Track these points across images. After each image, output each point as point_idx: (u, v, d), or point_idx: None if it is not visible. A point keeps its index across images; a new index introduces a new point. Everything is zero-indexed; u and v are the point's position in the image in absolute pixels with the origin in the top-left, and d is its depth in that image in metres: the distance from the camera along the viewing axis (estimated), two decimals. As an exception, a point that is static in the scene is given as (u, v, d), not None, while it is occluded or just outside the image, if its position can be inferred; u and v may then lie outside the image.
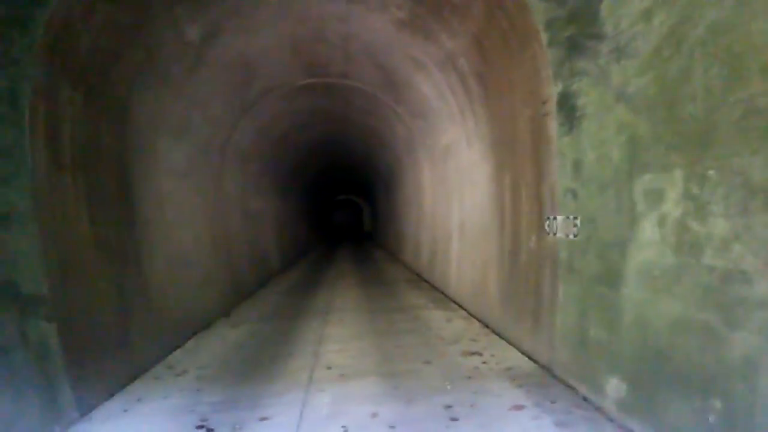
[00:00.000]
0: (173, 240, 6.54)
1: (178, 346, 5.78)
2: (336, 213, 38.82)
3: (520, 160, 5.13)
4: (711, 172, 2.46)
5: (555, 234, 4.30)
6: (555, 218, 4.30)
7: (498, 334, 5.47)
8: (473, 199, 6.95)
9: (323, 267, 14.59)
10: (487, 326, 5.89)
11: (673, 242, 2.76)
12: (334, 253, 19.74)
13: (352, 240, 29.47)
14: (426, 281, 10.22)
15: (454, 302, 7.58)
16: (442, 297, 8.18)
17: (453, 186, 8.19)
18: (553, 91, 4.26)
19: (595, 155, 3.64)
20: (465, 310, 6.93)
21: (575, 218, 3.93)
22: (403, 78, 8.44)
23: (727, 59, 2.35)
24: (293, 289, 10.14)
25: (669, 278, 2.79)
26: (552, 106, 4.30)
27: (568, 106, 4.02)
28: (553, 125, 4.29)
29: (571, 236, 3.99)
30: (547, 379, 4.07)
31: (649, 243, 2.99)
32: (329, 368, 4.62)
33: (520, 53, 4.72)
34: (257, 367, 4.83)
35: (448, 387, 3.95)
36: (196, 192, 7.69)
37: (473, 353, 4.83)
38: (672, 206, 2.77)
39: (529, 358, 4.62)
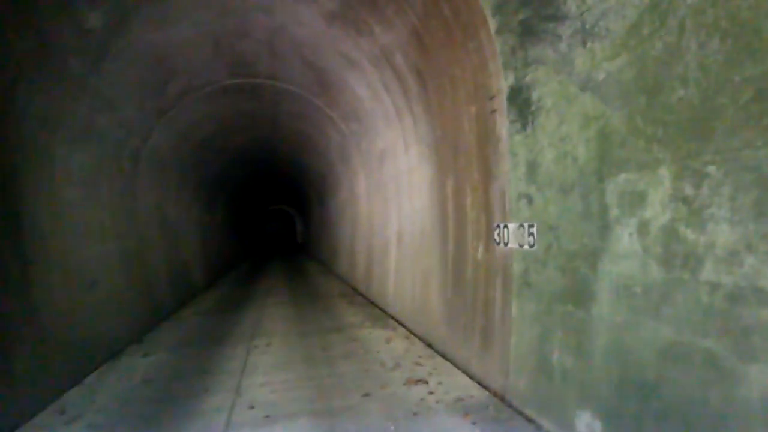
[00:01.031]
0: (75, 257, 5.61)
1: (76, 383, 4.86)
2: (266, 224, 37.49)
3: (464, 162, 4.65)
4: (711, 168, 2.01)
5: (506, 244, 3.83)
6: (506, 226, 3.83)
7: (443, 356, 4.94)
8: (412, 206, 6.44)
9: (252, 282, 13.65)
10: (430, 346, 5.35)
11: (659, 253, 2.31)
12: (265, 267, 18.74)
13: (284, 252, 28.41)
14: (362, 295, 9.61)
15: (394, 319, 7.02)
16: (380, 313, 7.59)
17: (390, 193, 7.66)
18: (502, 84, 3.81)
19: (554, 154, 3.18)
20: (405, 327, 6.38)
21: (531, 226, 3.47)
22: (336, 78, 7.86)
23: (731, 30, 1.92)
24: (217, 309, 9.22)
25: (655, 297, 2.33)
26: (501, 101, 3.84)
27: (520, 101, 3.57)
28: (503, 122, 3.83)
29: (526, 246, 3.52)
30: (503, 411, 3.55)
31: (627, 254, 2.53)
32: (252, 407, 3.89)
33: (465, 44, 4.25)
34: (165, 408, 4.02)
35: (392, 429, 3.34)
36: (104, 203, 6.73)
37: (418, 381, 4.25)
38: (657, 211, 2.32)
39: (480, 384, 4.11)
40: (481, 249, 4.31)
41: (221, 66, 8.16)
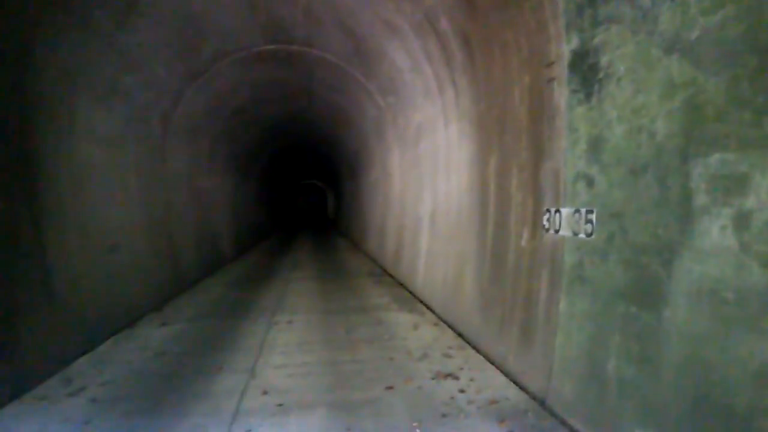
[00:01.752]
0: (96, 220, 5.43)
1: (87, 351, 4.68)
2: (298, 198, 37.47)
3: (512, 139, 4.20)
4: None
5: (557, 231, 3.39)
6: (558, 211, 3.39)
7: (475, 348, 4.56)
8: (449, 185, 6.01)
9: (280, 255, 13.48)
10: (461, 336, 4.98)
11: (763, 253, 1.85)
12: (294, 240, 18.61)
13: (314, 227, 28.31)
14: (390, 275, 9.27)
15: (422, 303, 6.65)
16: (409, 296, 7.24)
17: (425, 170, 7.23)
18: (563, 49, 3.33)
19: (625, 129, 2.71)
20: (434, 313, 6.01)
21: (589, 212, 3.02)
22: (374, 46, 7.40)
23: None
24: (243, 281, 9.04)
25: (754, 306, 1.89)
26: (561, 68, 3.37)
27: (585, 67, 3.09)
28: (563, 93, 3.36)
29: (582, 235, 3.08)
30: (544, 419, 3.15)
31: (716, 251, 2.08)
32: (265, 393, 3.60)
33: (520, 3, 3.76)
34: (173, 386, 3.78)
35: (417, 431, 2.99)
36: (129, 165, 6.52)
37: (447, 375, 3.89)
38: (763, 200, 1.86)
39: (517, 383, 3.71)
40: (525, 235, 3.88)
41: (256, 30, 7.80)
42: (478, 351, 4.48)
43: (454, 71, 5.49)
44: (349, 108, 11.24)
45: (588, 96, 3.06)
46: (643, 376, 2.47)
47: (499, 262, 4.35)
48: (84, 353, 4.62)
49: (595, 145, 2.98)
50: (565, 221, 3.29)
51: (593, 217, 2.98)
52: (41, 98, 4.43)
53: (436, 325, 5.48)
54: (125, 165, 6.40)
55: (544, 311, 3.50)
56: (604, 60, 2.90)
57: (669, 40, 2.39)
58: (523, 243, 3.90)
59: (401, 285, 8.13)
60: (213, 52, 7.85)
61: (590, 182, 3.03)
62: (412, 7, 5.54)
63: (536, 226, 3.71)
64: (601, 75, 2.93)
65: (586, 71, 3.07)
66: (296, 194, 36.43)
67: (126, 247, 6.15)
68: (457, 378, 3.84)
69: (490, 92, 4.66)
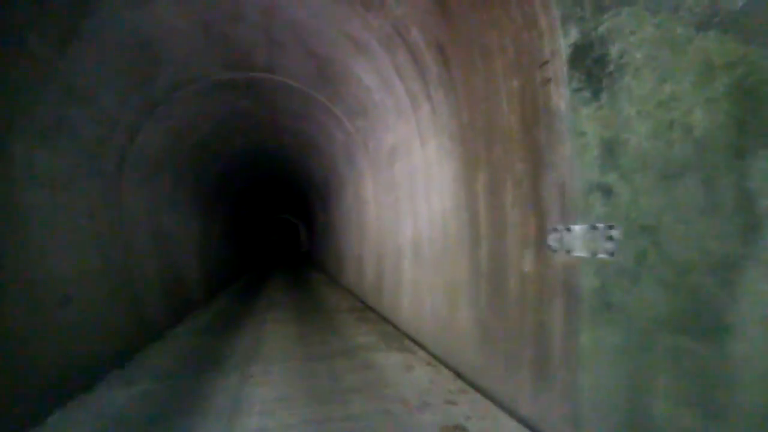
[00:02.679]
0: (42, 270, 4.76)
1: (34, 426, 3.99)
2: (269, 233, 36.59)
3: (502, 151, 3.76)
4: None
5: (569, 252, 2.93)
6: (569, 229, 2.93)
7: (479, 390, 4.02)
8: (431, 208, 5.54)
9: (254, 295, 12.75)
10: (460, 376, 4.44)
11: None
12: (267, 278, 17.84)
13: (288, 262, 27.50)
14: (372, 309, 8.69)
15: (410, 339, 6.10)
16: (395, 332, 6.67)
17: (403, 194, 6.76)
18: (560, 44, 2.92)
19: (650, 126, 2.28)
20: (426, 350, 5.46)
21: (610, 228, 2.56)
22: (340, 67, 7.00)
23: None
24: (215, 326, 8.32)
25: None
26: (559, 66, 2.96)
27: (590, 61, 2.68)
28: (562, 94, 2.94)
29: (603, 255, 2.61)
30: (578, 478, 2.63)
31: (804, 267, 1.62)
32: (239, 472, 2.99)
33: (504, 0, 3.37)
34: (127, 471, 3.14)
35: None
36: (81, 208, 5.87)
37: (455, 429, 3.33)
38: None
39: (534, 431, 3.18)
40: (529, 258, 3.41)
41: (214, 56, 7.33)
42: (482, 393, 3.95)
43: (428, 85, 5.08)
44: (317, 136, 10.79)
45: (596, 93, 2.64)
46: (707, 425, 1.98)
47: (499, 290, 3.87)
48: (29, 428, 3.93)
49: (611, 149, 2.54)
50: (579, 240, 2.83)
51: (615, 233, 2.52)
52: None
53: (429, 364, 4.93)
54: (75, 207, 5.75)
55: (562, 345, 3.01)
56: (614, 50, 2.48)
57: (701, 15, 1.98)
58: (527, 268, 3.43)
59: (385, 320, 7.56)
60: (170, 82, 7.33)
61: (607, 193, 2.58)
62: (380, 20, 5.14)
63: (541, 248, 3.24)
64: (611, 68, 2.51)
65: (592, 66, 2.66)
66: (267, 230, 35.57)
67: (81, 299, 5.46)
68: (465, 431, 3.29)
69: (472, 103, 4.24)
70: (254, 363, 5.52)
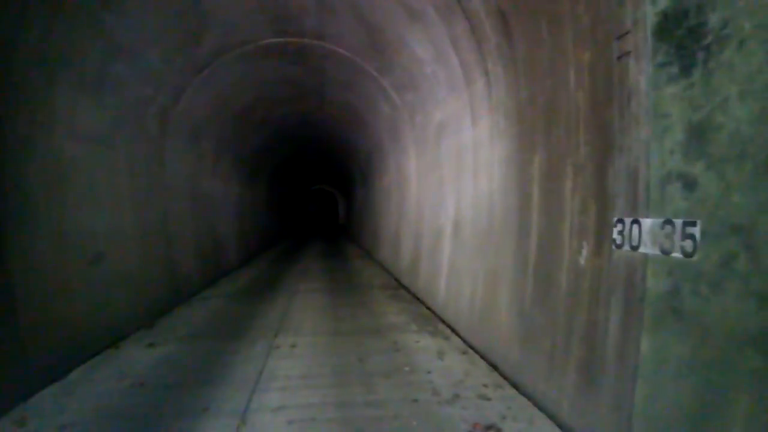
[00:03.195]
0: (76, 227, 4.77)
1: (56, 380, 3.98)
2: (308, 203, 36.79)
3: (564, 132, 3.43)
4: None
5: (635, 248, 2.61)
6: (637, 222, 2.61)
7: (516, 387, 3.77)
8: (477, 190, 5.25)
9: (288, 264, 12.75)
10: (496, 368, 4.20)
11: None
12: (303, 248, 17.90)
13: (324, 233, 27.60)
14: (406, 288, 8.49)
15: (445, 323, 5.87)
16: (428, 314, 6.46)
17: (447, 174, 6.47)
18: (645, 12, 2.56)
19: (753, 109, 1.94)
20: (460, 337, 5.23)
21: (689, 224, 2.24)
22: (392, 36, 6.68)
23: None
24: (247, 292, 8.31)
25: None
26: (641, 38, 2.60)
27: (682, 32, 2.32)
28: (642, 69, 2.60)
29: (678, 254, 2.30)
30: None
31: None
32: (256, 451, 2.86)
33: (582, -38, 3.02)
34: (144, 434, 3.06)
35: None
36: (121, 167, 5.86)
37: (489, 428, 3.10)
38: None
39: (576, 440, 2.93)
40: (586, 251, 3.10)
41: (263, 20, 7.13)
42: (519, 390, 3.70)
43: (486, 58, 4.74)
44: (362, 107, 10.54)
45: (686, 69, 2.29)
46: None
47: (547, 282, 3.58)
48: (53, 381, 3.93)
49: (700, 135, 2.21)
50: (649, 235, 2.51)
51: (696, 230, 2.20)
52: (8, 86, 3.75)
53: (464, 353, 4.70)
54: (115, 166, 5.73)
55: (616, 350, 2.72)
56: (714, 18, 2.13)
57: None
58: (583, 261, 3.13)
59: (419, 300, 7.35)
60: (216, 43, 7.19)
61: (690, 184, 2.25)
62: (438, -16, 4.81)
63: (602, 240, 2.93)
64: (708, 39, 2.16)
65: (684, 37, 2.31)
66: (306, 200, 35.76)
67: (113, 258, 5.46)
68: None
69: (534, 78, 3.90)
70: (282, 334, 5.41)
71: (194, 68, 7.25)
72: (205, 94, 8.08)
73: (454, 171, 6.15)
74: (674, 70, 2.36)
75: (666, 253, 2.38)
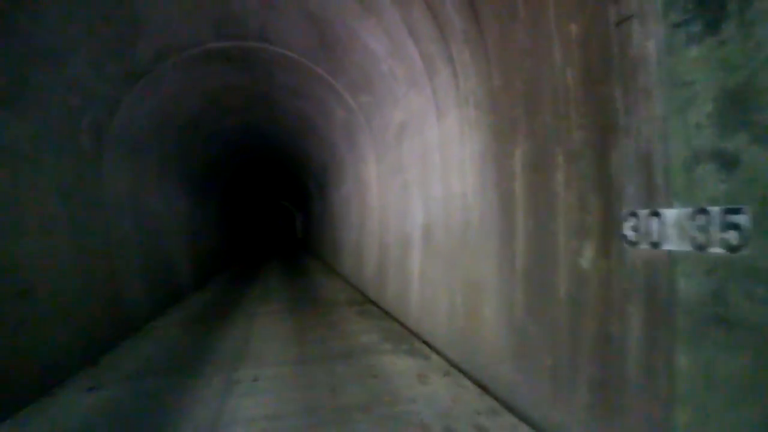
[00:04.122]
0: (2, 256, 4.04)
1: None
2: (263, 218, 35.74)
3: (551, 117, 3.01)
4: None
5: (656, 244, 2.19)
6: (656, 214, 2.19)
7: (515, 411, 3.30)
8: (448, 191, 4.80)
9: (246, 283, 12.01)
10: (486, 390, 3.72)
11: None
12: (261, 265, 17.11)
13: (282, 249, 26.76)
14: (373, 303, 7.96)
15: (420, 339, 5.38)
16: (401, 330, 5.95)
17: (412, 177, 6.00)
18: (649, -35, 2.16)
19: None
20: (440, 354, 4.75)
21: (732, 211, 1.83)
22: (343, 32, 6.19)
23: None
24: (202, 318, 7.57)
25: None
26: (646, -4, 2.20)
27: (703, -20, 1.92)
28: (652, 33, 2.19)
29: (718, 249, 1.88)
30: None
31: None
32: None
33: None
34: None
35: None
36: (49, 187, 5.12)
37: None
38: None
39: (596, 474, 2.47)
40: (589, 252, 2.67)
41: (203, 22, 6.54)
42: (519, 417, 3.22)
43: (450, 45, 4.31)
44: (315, 115, 9.99)
45: (712, 25, 1.89)
46: None
47: (541, 290, 3.13)
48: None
49: (739, 101, 1.80)
50: (674, 228, 2.09)
51: (743, 218, 1.79)
52: None
53: (447, 374, 4.20)
54: (43, 186, 5.00)
55: (641, 367, 2.28)
56: (750, -43, 1.73)
57: None
58: (585, 263, 2.69)
59: (389, 316, 6.84)
60: (153, 49, 6.52)
61: (729, 163, 1.84)
62: (393, -33, 4.36)
63: (609, 239, 2.50)
64: (743, -14, 1.76)
65: (708, -13, 1.90)
66: (261, 215, 34.73)
67: (46, 289, 4.74)
68: (507, 475, 2.57)
69: (509, 61, 3.48)
70: (242, 365, 4.79)
71: (129, 76, 6.55)
72: (145, 105, 7.36)
73: (419, 173, 5.70)
74: (695, 28, 1.96)
75: (701, 248, 1.96)
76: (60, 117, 5.28)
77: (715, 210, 1.89)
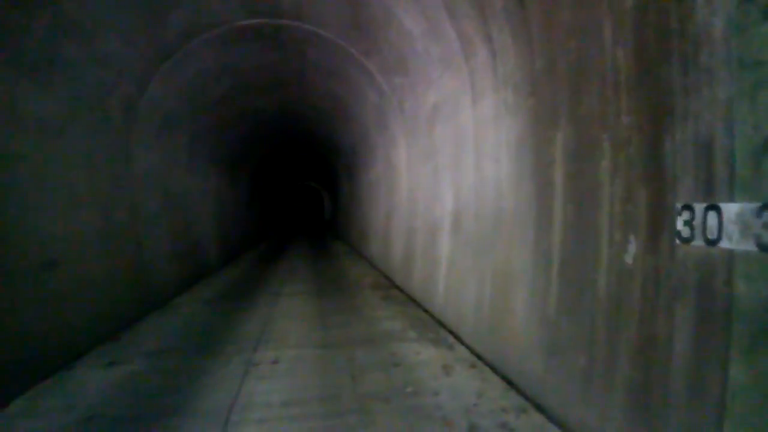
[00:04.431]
0: (21, 228, 4.07)
1: (-7, 412, 3.30)
2: (291, 199, 35.94)
3: (597, 101, 2.80)
4: None
5: (712, 242, 2.00)
6: (715, 208, 1.99)
7: (543, 410, 3.15)
8: (480, 177, 4.62)
9: (271, 263, 12.06)
10: (512, 385, 3.58)
11: None
12: (288, 245, 17.19)
13: (310, 230, 26.90)
14: (399, 288, 7.86)
15: (446, 328, 5.25)
16: (426, 317, 5.82)
17: (444, 162, 5.83)
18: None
19: None
20: (466, 345, 4.61)
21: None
22: (378, 10, 6.00)
23: None
24: (226, 296, 7.60)
25: None
26: (715, -35, 1.97)
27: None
28: (718, 8, 1.98)
29: (788, 250, 1.68)
30: None
31: None
32: None
33: None
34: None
35: None
36: (78, 161, 5.14)
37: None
38: None
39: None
40: (634, 247, 2.47)
41: (235, -2, 6.42)
42: (547, 417, 3.07)
43: (489, 24, 4.09)
44: (347, 96, 9.84)
45: (796, -4, 1.67)
46: None
47: (579, 285, 2.95)
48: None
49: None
50: (736, 225, 1.89)
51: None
52: None
53: (473, 366, 4.06)
54: (71, 160, 5.01)
55: (687, 375, 2.10)
56: None
57: None
58: (630, 259, 2.50)
59: (414, 302, 6.71)
60: (183, 25, 6.45)
61: (807, 153, 1.63)
62: (432, -60, 4.15)
63: (659, 233, 2.31)
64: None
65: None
66: (290, 196, 34.92)
67: (71, 263, 4.77)
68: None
69: (553, 41, 3.26)
70: (262, 347, 4.75)
71: (161, 52, 6.51)
72: (176, 82, 7.33)
73: (451, 158, 5.51)
74: (774, 0, 1.73)
75: (767, 249, 1.76)
76: (90, 92, 5.26)
77: (787, 206, 1.69)
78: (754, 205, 1.81)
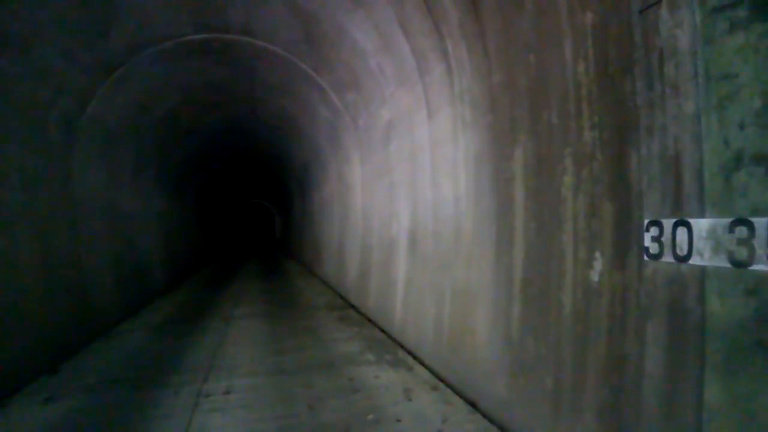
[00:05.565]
0: None
1: None
2: (242, 218, 35.11)
3: (557, 117, 2.76)
4: None
5: (682, 258, 1.95)
6: (684, 223, 1.95)
7: (507, 433, 3.04)
8: (438, 194, 4.54)
9: (222, 285, 11.60)
10: (476, 408, 3.45)
11: None
12: (238, 266, 16.67)
13: (261, 249, 26.31)
14: (354, 308, 7.66)
15: (404, 348, 5.10)
16: (384, 339, 5.65)
17: (400, 179, 5.73)
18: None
19: None
20: (426, 367, 4.47)
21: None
22: (331, 27, 5.91)
23: None
24: (174, 321, 7.19)
25: None
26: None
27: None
28: (685, 20, 1.96)
29: (763, 266, 1.64)
30: None
31: None
32: None
33: None
34: None
35: None
36: (11, 180, 4.74)
37: None
38: None
39: None
40: (600, 264, 2.42)
41: (182, 12, 6.20)
42: (513, 439, 2.96)
43: (445, 39, 4.05)
44: (299, 113, 9.67)
45: (764, 10, 1.65)
46: None
47: (543, 303, 2.88)
48: None
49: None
50: (707, 241, 1.84)
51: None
52: None
53: (434, 389, 3.92)
54: (4, 180, 4.62)
55: (658, 394, 2.03)
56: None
57: None
58: (596, 276, 2.44)
59: (371, 322, 6.53)
60: (128, 39, 6.13)
61: (781, 167, 1.60)
62: (387, -46, 4.09)
63: (626, 249, 2.25)
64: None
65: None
66: (240, 215, 34.11)
67: (3, 290, 4.36)
68: None
69: (511, 57, 3.23)
70: (213, 376, 4.45)
71: (104, 67, 6.15)
72: (120, 99, 6.95)
73: (408, 175, 5.43)
74: (742, 12, 1.72)
75: (740, 265, 1.71)
76: (25, 108, 4.90)
77: (761, 221, 1.65)
78: (726, 221, 1.77)
